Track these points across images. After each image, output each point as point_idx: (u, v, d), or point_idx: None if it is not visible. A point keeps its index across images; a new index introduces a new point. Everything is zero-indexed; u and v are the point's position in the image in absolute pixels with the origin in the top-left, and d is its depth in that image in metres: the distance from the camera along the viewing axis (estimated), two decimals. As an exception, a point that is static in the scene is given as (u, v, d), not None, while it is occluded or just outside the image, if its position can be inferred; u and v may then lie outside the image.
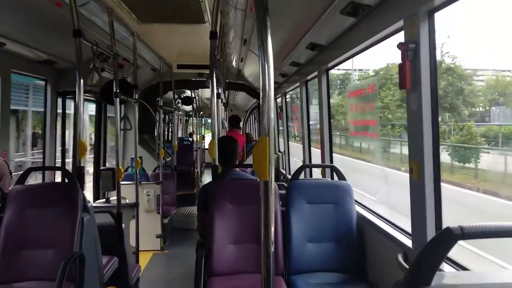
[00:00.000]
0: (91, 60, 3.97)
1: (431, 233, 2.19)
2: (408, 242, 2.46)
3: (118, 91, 4.08)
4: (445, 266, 2.17)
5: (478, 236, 1.02)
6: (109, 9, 3.70)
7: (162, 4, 4.07)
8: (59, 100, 5.32)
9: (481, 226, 1.02)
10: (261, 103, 1.36)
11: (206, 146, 14.80)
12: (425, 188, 2.19)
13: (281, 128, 7.59)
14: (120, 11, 4.11)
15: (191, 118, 16.12)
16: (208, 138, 15.88)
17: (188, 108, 12.73)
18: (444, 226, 2.15)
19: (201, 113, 15.32)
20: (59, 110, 5.36)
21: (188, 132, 16.88)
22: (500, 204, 5.93)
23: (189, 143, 12.30)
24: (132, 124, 5.05)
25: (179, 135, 14.86)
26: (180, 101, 10.79)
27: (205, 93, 11.56)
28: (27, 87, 7.73)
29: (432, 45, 2.15)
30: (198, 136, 13.24)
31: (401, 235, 2.64)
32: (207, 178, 13.21)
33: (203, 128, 17.89)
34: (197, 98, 12.04)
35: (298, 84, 5.41)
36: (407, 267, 2.22)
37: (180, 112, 13.91)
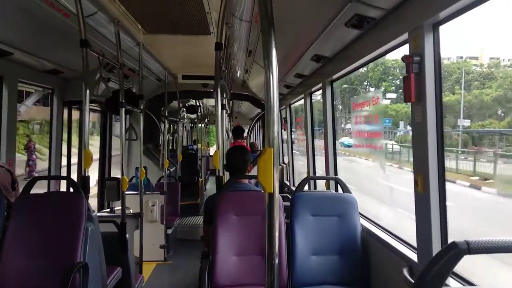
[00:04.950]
0: (97, 70, 4.00)
1: (436, 247, 2.16)
2: (414, 256, 2.43)
3: (123, 101, 4.10)
4: (451, 281, 2.14)
5: (485, 251, 1.01)
6: (115, 20, 3.73)
7: (168, 15, 4.10)
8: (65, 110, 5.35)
9: (488, 241, 1.01)
10: (265, 114, 1.36)
11: (211, 153, 14.77)
12: (430, 201, 2.17)
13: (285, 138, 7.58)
14: (126, 22, 4.15)
15: (195, 125, 16.12)
16: (213, 149, 15.86)
17: (193, 115, 12.74)
18: (450, 240, 2.13)
19: (206, 120, 15.32)
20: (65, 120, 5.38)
21: (193, 139, 16.87)
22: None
23: (193, 151, 12.27)
24: (138, 134, 5.08)
25: (184, 143, 14.86)
26: (185, 109, 10.81)
27: (210, 101, 11.56)
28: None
29: (437, 58, 2.16)
30: (202, 145, 13.18)
31: (406, 249, 2.62)
32: (211, 186, 13.18)
33: (208, 137, 17.81)
34: (202, 106, 12.05)
35: (302, 95, 5.42)
36: (412, 281, 2.20)
37: (185, 120, 13.94)
